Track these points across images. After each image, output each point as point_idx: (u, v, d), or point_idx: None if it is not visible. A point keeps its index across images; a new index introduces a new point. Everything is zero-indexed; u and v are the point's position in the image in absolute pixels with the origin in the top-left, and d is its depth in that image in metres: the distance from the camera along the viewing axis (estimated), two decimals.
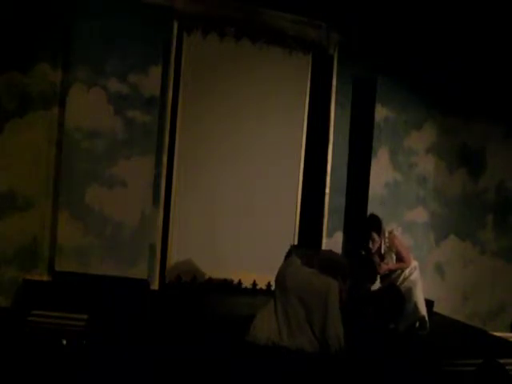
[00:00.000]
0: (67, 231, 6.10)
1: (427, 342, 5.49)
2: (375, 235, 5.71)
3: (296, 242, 6.99)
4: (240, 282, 6.94)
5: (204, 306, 6.17)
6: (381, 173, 7.24)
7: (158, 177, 6.48)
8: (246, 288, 6.95)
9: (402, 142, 7.37)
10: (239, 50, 6.85)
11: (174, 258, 6.70)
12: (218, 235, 6.83)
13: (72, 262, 6.08)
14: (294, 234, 7.14)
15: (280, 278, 5.19)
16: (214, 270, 6.78)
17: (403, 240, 6.15)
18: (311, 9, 6.81)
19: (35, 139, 6.07)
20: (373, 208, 7.09)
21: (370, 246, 5.71)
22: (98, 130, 6.18)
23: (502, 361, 4.68)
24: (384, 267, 5.73)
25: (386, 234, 5.76)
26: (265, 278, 6.83)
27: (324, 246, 6.97)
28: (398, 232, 6.45)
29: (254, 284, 6.97)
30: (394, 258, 5.77)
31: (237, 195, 6.91)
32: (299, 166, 7.16)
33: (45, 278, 6.11)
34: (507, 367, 4.63)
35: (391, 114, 7.30)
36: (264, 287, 6.93)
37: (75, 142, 6.11)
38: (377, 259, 5.75)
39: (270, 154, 7.02)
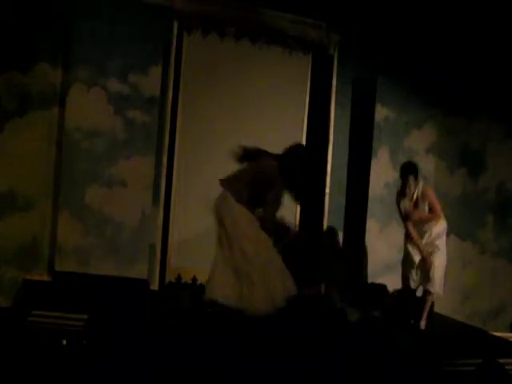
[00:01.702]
0: (67, 231, 6.09)
1: (427, 342, 5.50)
2: (412, 180, 5.87)
3: None
4: None
5: (204, 306, 6.16)
6: (381, 173, 7.23)
7: (157, 177, 6.48)
8: None
9: (402, 142, 7.36)
10: (239, 49, 6.84)
11: (173, 258, 6.69)
12: None
13: (72, 262, 6.08)
14: None
15: (217, 215, 4.82)
16: None
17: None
18: (311, 9, 6.80)
19: (35, 139, 6.05)
20: (373, 208, 7.10)
21: (407, 190, 5.89)
22: (98, 130, 6.17)
23: (501, 361, 4.69)
24: (416, 214, 5.91)
25: (420, 186, 5.93)
26: None
27: None
28: None
29: None
30: (427, 209, 5.94)
31: None
32: None
33: (45, 277, 6.10)
34: (507, 367, 4.64)
35: (391, 114, 7.30)
36: None
37: (75, 142, 6.11)
38: (408, 204, 5.93)
39: None
